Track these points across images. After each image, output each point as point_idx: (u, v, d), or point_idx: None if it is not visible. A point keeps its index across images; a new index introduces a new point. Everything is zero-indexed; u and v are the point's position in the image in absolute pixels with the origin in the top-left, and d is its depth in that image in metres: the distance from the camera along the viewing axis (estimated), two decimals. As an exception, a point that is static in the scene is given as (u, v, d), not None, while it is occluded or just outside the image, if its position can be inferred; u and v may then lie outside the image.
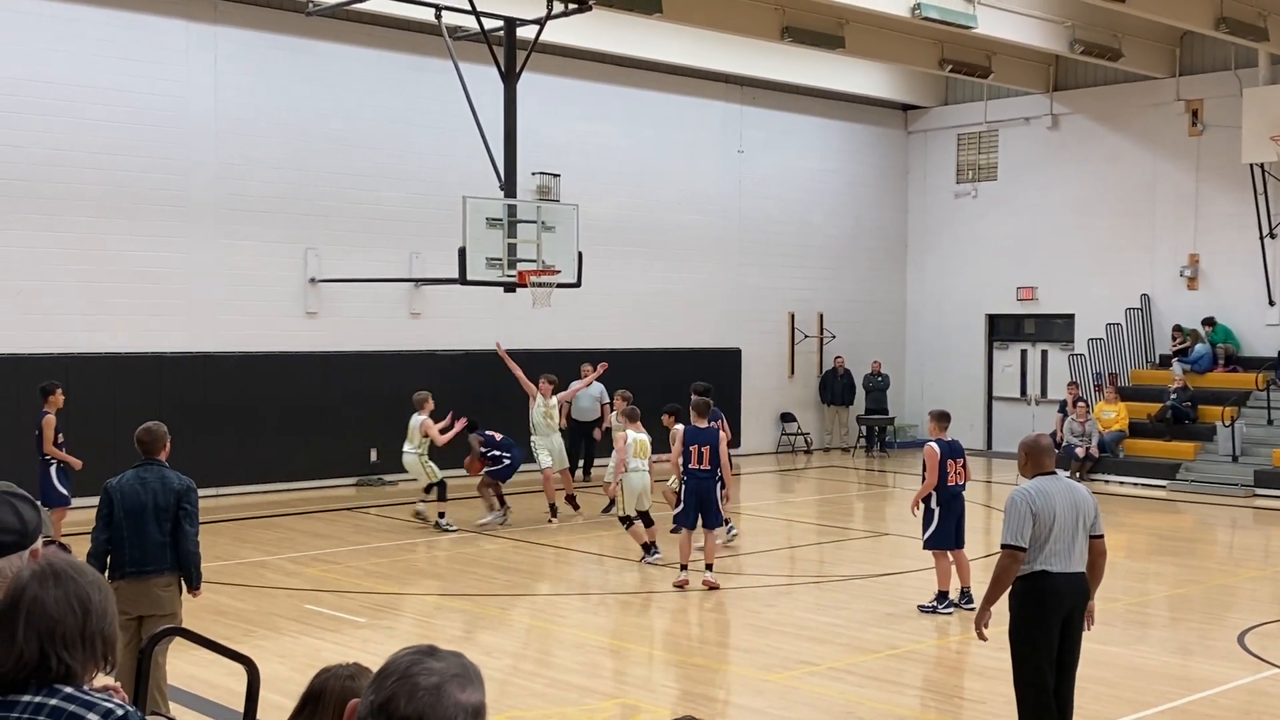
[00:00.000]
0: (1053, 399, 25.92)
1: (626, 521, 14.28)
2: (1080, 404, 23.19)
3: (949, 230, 28.12)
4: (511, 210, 17.77)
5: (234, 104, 19.31)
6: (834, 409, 27.00)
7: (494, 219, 17.55)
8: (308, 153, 20.01)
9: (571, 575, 14.54)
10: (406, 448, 16.67)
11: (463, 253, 17.18)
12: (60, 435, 13.68)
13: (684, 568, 12.93)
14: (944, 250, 28.20)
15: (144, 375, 18.33)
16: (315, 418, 19.93)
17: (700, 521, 12.95)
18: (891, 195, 28.66)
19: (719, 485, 13.03)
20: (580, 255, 18.31)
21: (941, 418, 12.50)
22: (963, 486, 12.26)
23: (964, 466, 12.32)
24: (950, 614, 11.69)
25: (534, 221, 17.96)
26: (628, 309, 23.78)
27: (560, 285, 18.17)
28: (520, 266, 17.68)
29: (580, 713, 8.92)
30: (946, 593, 11.93)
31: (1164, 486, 21.52)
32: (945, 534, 11.99)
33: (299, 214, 19.94)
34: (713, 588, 12.66)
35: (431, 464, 16.61)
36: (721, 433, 13.26)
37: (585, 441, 20.87)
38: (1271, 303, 23.64)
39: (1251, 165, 23.11)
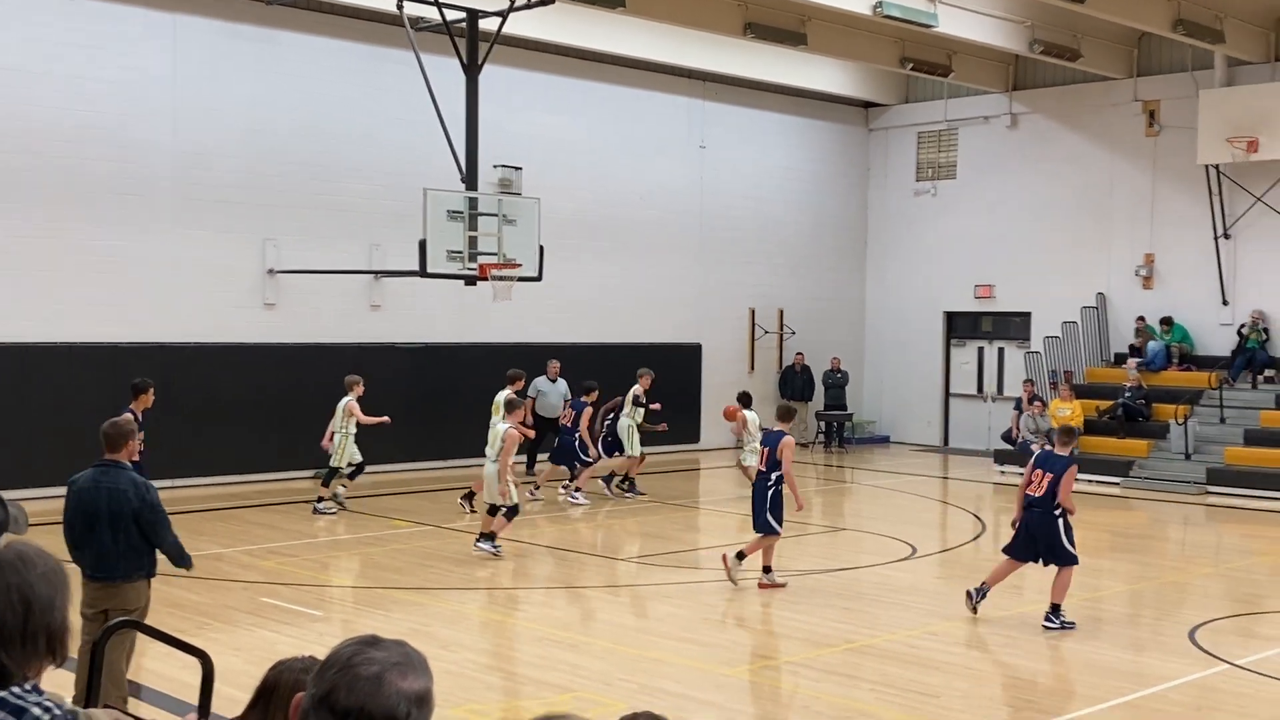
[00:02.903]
0: (1009, 396, 26.12)
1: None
2: (1036, 401, 23.38)
3: (908, 228, 28.27)
4: (473, 203, 17.71)
5: (192, 93, 19.14)
6: (795, 405, 27.07)
7: (455, 212, 17.49)
8: (267, 143, 19.86)
9: (529, 569, 14.52)
10: (334, 426, 16.98)
11: (423, 245, 17.11)
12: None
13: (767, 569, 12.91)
14: (903, 247, 28.36)
15: (99, 365, 18.14)
16: (273, 410, 19.80)
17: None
18: (852, 192, 28.78)
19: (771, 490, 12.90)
20: (541, 249, 18.28)
21: (1064, 432, 12.12)
22: (1039, 498, 11.65)
23: (1049, 480, 11.62)
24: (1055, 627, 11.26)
25: (495, 214, 17.91)
26: (589, 303, 23.77)
27: (521, 279, 18.14)
28: (481, 260, 17.63)
29: (536, 706, 8.92)
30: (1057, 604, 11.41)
31: (1118, 484, 21.73)
32: (1014, 543, 11.74)
33: (257, 204, 19.79)
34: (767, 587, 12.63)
35: (354, 447, 16.92)
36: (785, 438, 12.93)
37: (550, 436, 20.80)
38: (1225, 303, 23.92)
39: (1207, 166, 23.37)
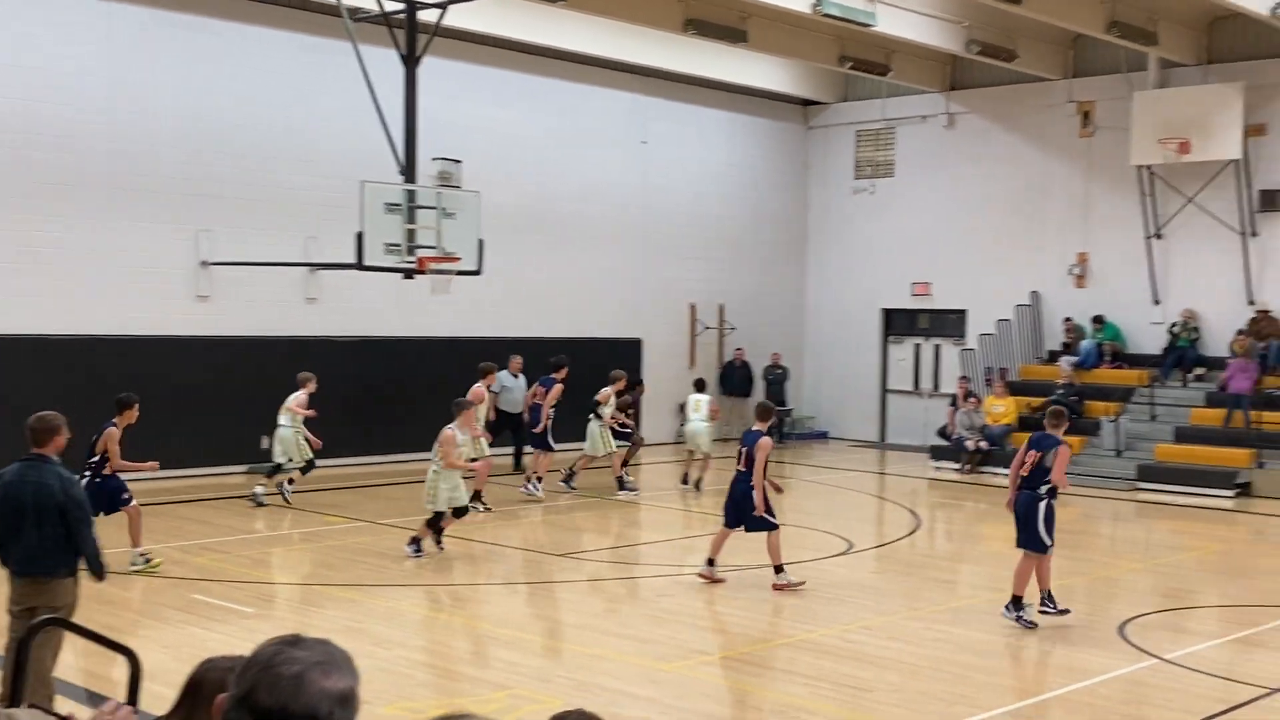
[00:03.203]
0: (945, 392, 26.36)
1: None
2: (971, 398, 23.63)
3: (847, 225, 28.45)
4: (411, 196, 17.59)
5: (127, 82, 18.84)
6: (733, 400, 27.17)
7: (393, 204, 17.35)
8: (202, 133, 19.60)
9: (466, 565, 14.46)
10: (282, 420, 16.98)
11: (360, 237, 16.96)
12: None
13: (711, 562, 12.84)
14: (842, 245, 28.53)
15: (28, 358, 17.83)
16: (206, 404, 19.56)
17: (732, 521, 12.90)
18: (792, 189, 28.92)
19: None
20: (481, 243, 18.19)
21: (1054, 414, 11.98)
22: (1027, 478, 11.57)
23: (1032, 460, 11.53)
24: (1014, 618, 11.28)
25: (434, 207, 17.79)
26: (528, 297, 23.70)
27: (460, 272, 18.04)
28: (419, 253, 17.51)
29: (471, 703, 8.88)
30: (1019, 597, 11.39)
31: (1051, 480, 21.98)
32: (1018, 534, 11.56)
33: (192, 195, 19.52)
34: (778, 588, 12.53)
35: (305, 442, 16.93)
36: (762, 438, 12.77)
37: (514, 432, 20.82)
38: (1156, 301, 24.29)
39: (1139, 167, 23.71)
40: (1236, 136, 22.36)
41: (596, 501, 18.46)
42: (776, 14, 21.55)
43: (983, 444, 23.09)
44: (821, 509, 19.08)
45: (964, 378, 24.64)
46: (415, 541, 13.90)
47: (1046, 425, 12.02)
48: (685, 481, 20.09)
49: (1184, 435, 22.06)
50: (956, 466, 23.29)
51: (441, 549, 13.97)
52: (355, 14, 18.26)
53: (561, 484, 19.09)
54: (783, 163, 28.66)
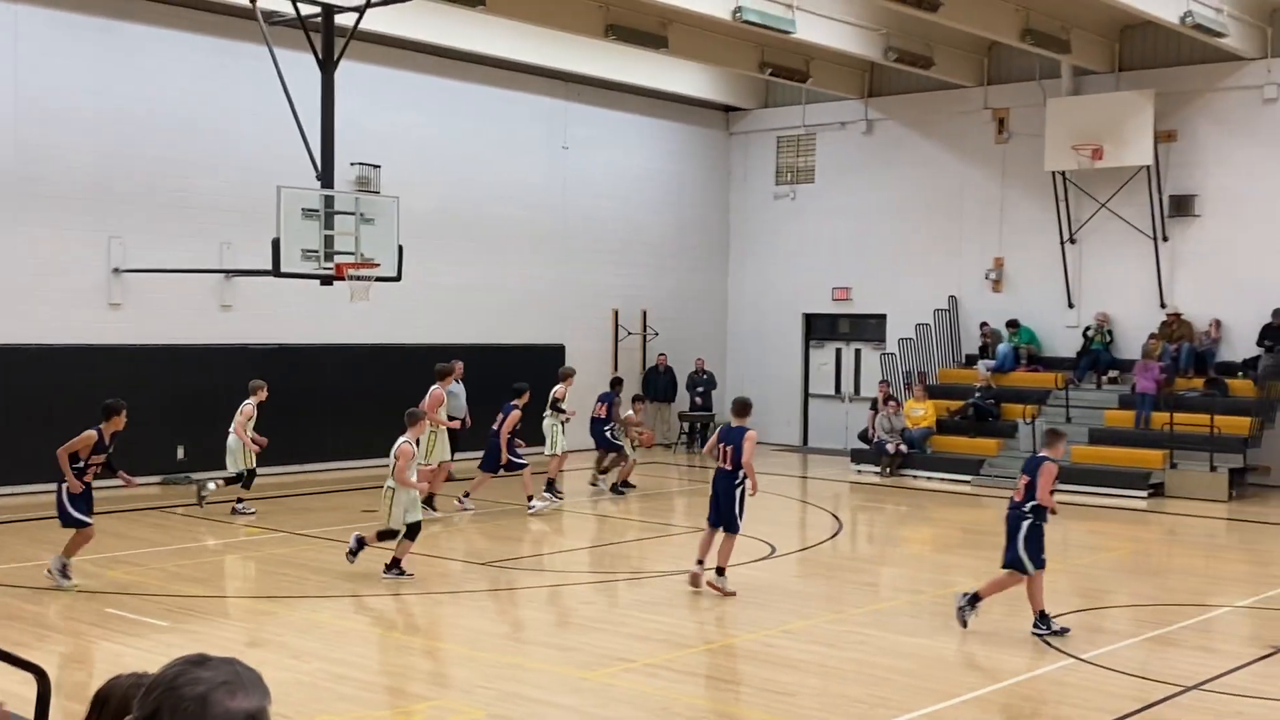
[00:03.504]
0: (865, 396, 26.59)
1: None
2: (891, 401, 23.84)
3: (768, 231, 28.61)
4: (329, 201, 17.39)
5: (35, 86, 18.43)
6: (656, 406, 27.19)
7: (310, 210, 17.15)
8: (113, 138, 19.22)
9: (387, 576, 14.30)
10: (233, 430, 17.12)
11: (276, 244, 16.74)
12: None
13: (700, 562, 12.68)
14: (763, 250, 28.68)
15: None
16: (120, 413, 19.15)
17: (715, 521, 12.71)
18: (714, 195, 29.01)
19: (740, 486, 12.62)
20: (401, 248, 18.03)
21: (1049, 434, 11.84)
22: (1016, 501, 11.39)
23: (1024, 484, 11.32)
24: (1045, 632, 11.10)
25: (352, 213, 17.61)
26: (449, 304, 23.53)
27: (379, 279, 17.86)
28: (338, 259, 17.32)
29: (393, 716, 8.77)
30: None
31: (969, 481, 22.27)
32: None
33: (103, 201, 19.14)
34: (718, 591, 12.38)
35: (250, 451, 16.98)
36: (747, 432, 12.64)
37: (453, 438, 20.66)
38: (1071, 305, 24.68)
39: (1054, 173, 24.09)
40: (1148, 142, 22.79)
41: (517, 509, 18.34)
42: (697, 20, 21.61)
43: (903, 447, 23.31)
44: (745, 513, 19.11)
45: (884, 381, 24.88)
46: (394, 565, 13.11)
47: (1040, 447, 11.75)
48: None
49: (1098, 437, 22.43)
50: (877, 470, 23.48)
51: (399, 574, 13.32)
52: (270, 17, 18.02)
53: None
54: (704, 168, 28.75)
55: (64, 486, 12.34)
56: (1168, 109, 23.21)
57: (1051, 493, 11.25)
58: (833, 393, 28.13)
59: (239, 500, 16.98)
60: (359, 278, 17.52)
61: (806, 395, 28.46)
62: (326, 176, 17.59)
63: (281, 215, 16.77)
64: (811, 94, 27.24)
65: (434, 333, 23.03)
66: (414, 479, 13.12)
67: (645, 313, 27.34)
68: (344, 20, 17.82)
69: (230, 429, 17.08)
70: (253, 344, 20.74)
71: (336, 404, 21.39)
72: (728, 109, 28.86)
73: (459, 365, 20.01)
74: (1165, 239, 23.52)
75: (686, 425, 27.51)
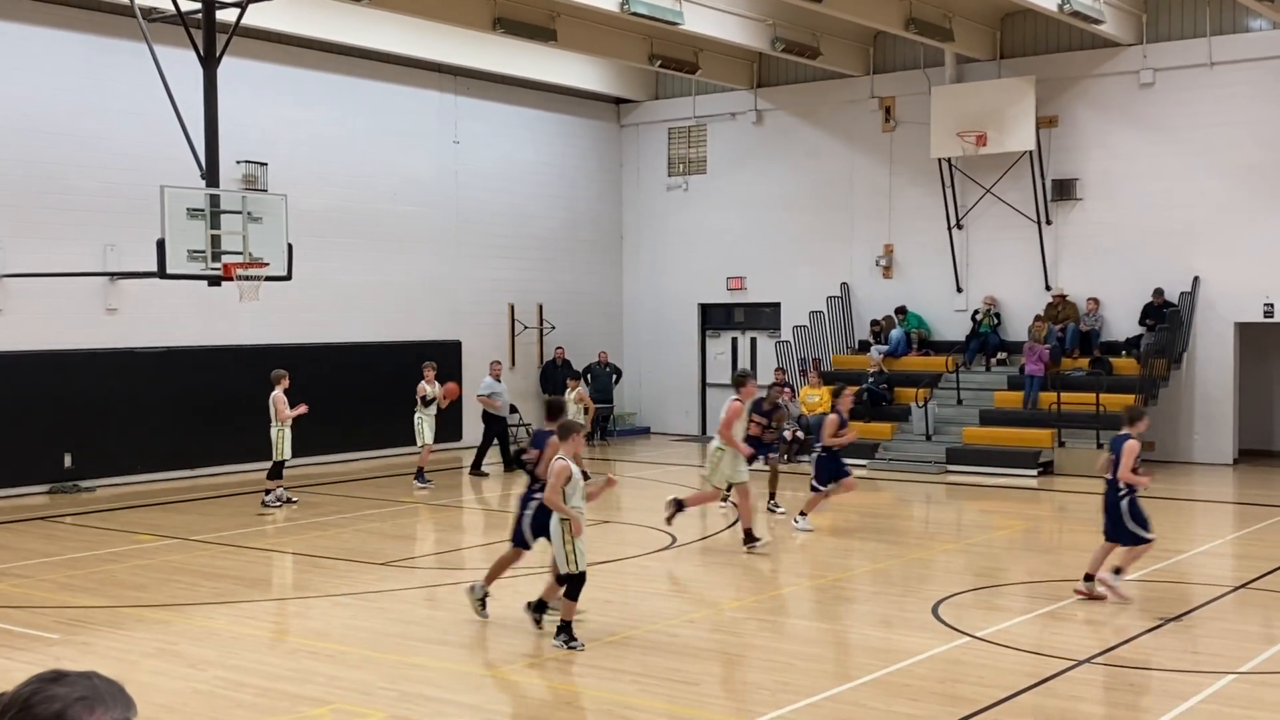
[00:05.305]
0: (762, 384, 26.73)
1: None
2: (787, 388, 24.04)
3: (662, 222, 28.70)
4: (215, 200, 17.07)
5: (-99, 85, 17.83)
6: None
7: (196, 209, 16.82)
8: (-13, 139, 18.67)
9: (282, 579, 14.11)
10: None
11: (161, 245, 16.39)
12: None
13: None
14: (658, 241, 28.77)
15: None
16: (2, 422, 18.64)
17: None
18: (607, 187, 29.03)
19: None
20: (290, 247, 17.76)
21: (1129, 413, 12.25)
22: (1109, 479, 11.86)
23: (1108, 460, 11.91)
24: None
25: (239, 212, 17.30)
26: (342, 302, 23.25)
27: (269, 278, 17.59)
28: (225, 259, 17.01)
29: (293, 721, 8.65)
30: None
31: (864, 465, 22.55)
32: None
33: (-22, 204, 18.58)
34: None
35: (285, 442, 17.40)
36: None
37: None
38: (959, 290, 25.13)
39: (940, 160, 24.49)
40: (1030, 128, 23.27)
41: (414, 506, 18.19)
42: (585, 13, 21.59)
43: (799, 434, 23.53)
44: (645, 505, 19.16)
45: (780, 369, 25.08)
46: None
47: (1123, 424, 12.15)
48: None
49: (988, 418, 22.88)
50: (775, 456, 23.61)
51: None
52: (149, 14, 17.62)
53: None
54: (597, 161, 28.74)
55: None
56: (1048, 95, 23.72)
57: (1135, 470, 11.73)
58: (729, 382, 28.25)
59: (267, 492, 17.59)
60: (247, 277, 17.23)
61: (704, 385, 28.62)
62: (211, 175, 17.26)
63: (166, 216, 16.43)
64: (701, 85, 27.37)
65: (328, 331, 22.75)
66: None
67: (541, 306, 27.27)
68: (226, 16, 17.49)
69: (271, 422, 17.38)
70: (140, 347, 20.29)
71: (227, 406, 21.01)
72: (618, 101, 28.88)
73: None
74: (1049, 222, 24.04)
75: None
